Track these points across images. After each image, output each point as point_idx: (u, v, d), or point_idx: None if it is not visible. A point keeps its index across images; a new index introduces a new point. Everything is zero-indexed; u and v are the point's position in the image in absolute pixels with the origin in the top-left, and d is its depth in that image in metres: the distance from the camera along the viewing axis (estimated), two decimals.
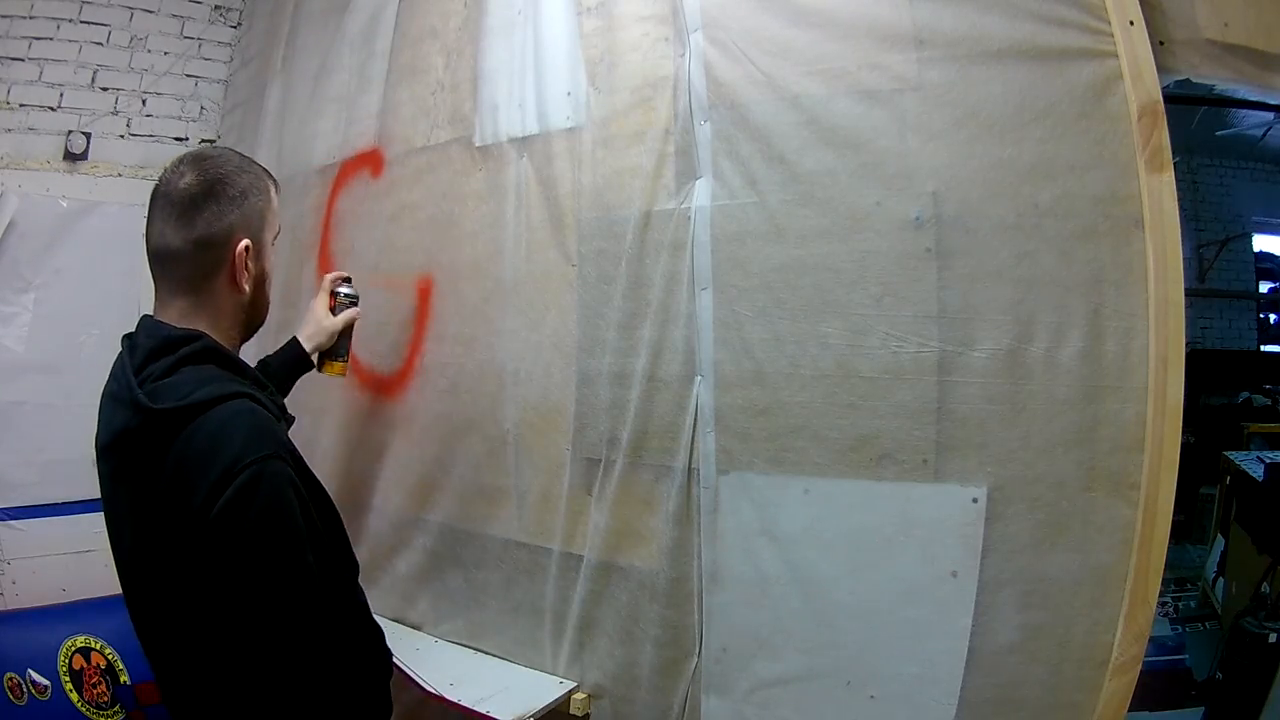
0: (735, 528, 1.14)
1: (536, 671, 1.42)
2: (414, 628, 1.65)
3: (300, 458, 0.90)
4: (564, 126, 1.38)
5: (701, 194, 1.19)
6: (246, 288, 0.94)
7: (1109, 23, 0.84)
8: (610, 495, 1.29)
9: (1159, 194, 0.80)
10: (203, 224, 0.89)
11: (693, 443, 1.18)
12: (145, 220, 0.92)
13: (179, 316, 0.92)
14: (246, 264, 0.93)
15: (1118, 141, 0.84)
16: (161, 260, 0.92)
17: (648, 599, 1.25)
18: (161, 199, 0.91)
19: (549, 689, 1.35)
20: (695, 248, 1.19)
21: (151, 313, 0.95)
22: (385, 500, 1.70)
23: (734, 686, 1.15)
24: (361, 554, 1.69)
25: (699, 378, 1.18)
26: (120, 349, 0.96)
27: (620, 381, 1.28)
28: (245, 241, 0.92)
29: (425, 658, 1.52)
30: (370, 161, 1.74)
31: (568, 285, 1.37)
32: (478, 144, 1.52)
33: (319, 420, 1.82)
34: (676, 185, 1.23)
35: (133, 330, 0.96)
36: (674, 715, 1.22)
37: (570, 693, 1.34)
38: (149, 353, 0.89)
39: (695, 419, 1.18)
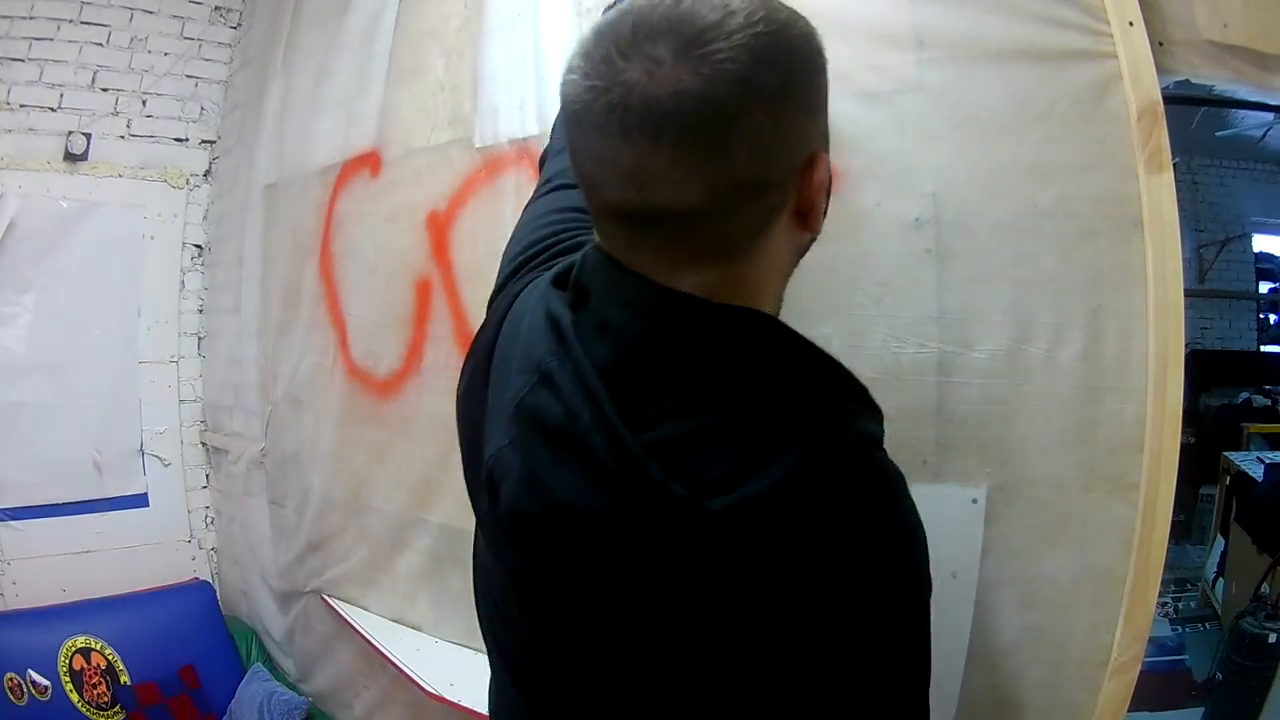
0: None
1: None
2: (414, 628, 1.66)
3: None
4: None
5: None
6: (819, 226, 0.54)
7: (1108, 24, 0.84)
8: None
9: (1158, 195, 0.80)
10: (748, 152, 0.46)
11: None
12: (578, 154, 0.50)
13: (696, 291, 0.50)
14: (828, 191, 0.53)
15: (1117, 142, 0.84)
16: (649, 222, 0.49)
17: None
18: (617, 115, 0.45)
19: None
20: None
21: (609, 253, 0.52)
22: (386, 501, 1.70)
23: None
24: (362, 554, 1.70)
25: None
26: (539, 313, 0.56)
27: None
28: (826, 160, 0.52)
29: (426, 659, 1.53)
30: (369, 162, 1.74)
31: None
32: (478, 145, 1.51)
33: (320, 420, 1.84)
34: None
35: (560, 274, 0.57)
36: None
37: None
38: (643, 355, 0.50)
39: None
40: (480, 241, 1.51)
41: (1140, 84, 0.81)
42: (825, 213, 0.54)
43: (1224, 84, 0.92)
